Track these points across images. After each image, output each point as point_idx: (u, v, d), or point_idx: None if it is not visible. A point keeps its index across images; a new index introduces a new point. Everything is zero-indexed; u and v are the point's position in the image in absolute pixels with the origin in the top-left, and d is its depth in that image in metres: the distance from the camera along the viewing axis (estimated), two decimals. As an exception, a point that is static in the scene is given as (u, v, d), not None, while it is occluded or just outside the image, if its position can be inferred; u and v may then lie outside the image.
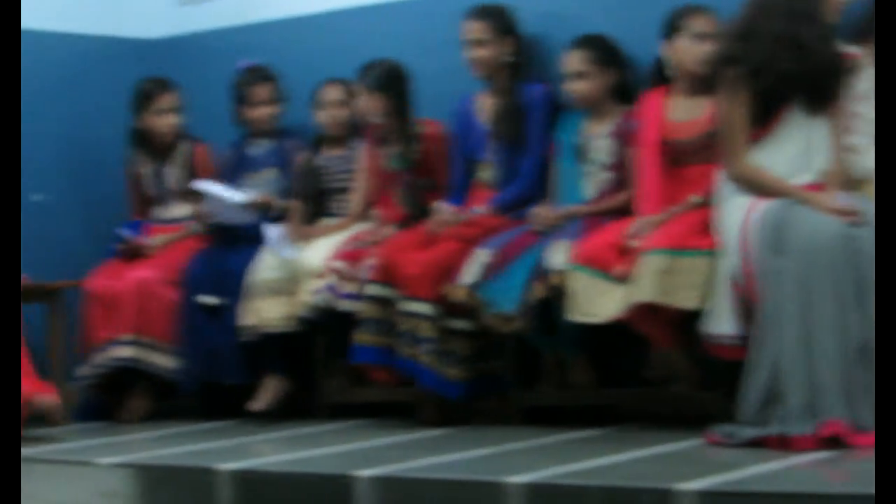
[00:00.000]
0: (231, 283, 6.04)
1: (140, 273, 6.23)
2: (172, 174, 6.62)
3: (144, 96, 6.58)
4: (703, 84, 5.06)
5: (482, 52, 5.80)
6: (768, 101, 4.69)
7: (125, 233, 6.40)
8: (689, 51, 5.22)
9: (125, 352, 6.14)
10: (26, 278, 5.87)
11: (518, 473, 3.90)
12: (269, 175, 6.51)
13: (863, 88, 4.97)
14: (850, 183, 4.78)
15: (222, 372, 6.11)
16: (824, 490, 3.55)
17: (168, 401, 6.39)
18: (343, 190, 6.37)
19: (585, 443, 4.78)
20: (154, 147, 6.64)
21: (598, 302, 4.89)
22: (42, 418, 5.71)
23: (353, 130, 6.36)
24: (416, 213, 5.89)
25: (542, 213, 5.46)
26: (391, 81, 5.98)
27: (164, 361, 6.20)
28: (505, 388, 5.55)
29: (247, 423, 5.91)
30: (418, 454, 4.62)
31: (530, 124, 5.77)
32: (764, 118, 4.71)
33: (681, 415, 4.99)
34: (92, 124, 6.97)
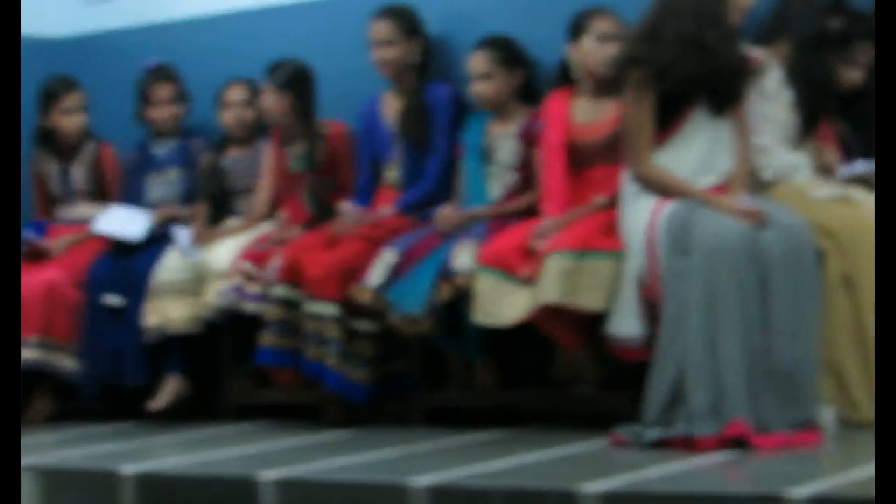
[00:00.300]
0: (135, 284, 5.93)
1: (45, 274, 6.10)
2: (78, 174, 6.52)
3: (50, 95, 6.50)
4: (607, 86, 5.04)
5: (388, 53, 5.77)
6: (673, 103, 4.68)
7: (29, 235, 6.28)
8: (593, 53, 5.18)
9: (30, 354, 5.99)
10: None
11: (422, 475, 3.86)
12: (172, 175, 6.42)
13: (768, 89, 5.01)
14: (757, 184, 4.81)
15: (124, 373, 5.97)
16: (727, 491, 3.62)
17: (70, 402, 6.26)
18: (248, 190, 6.30)
19: (490, 444, 4.74)
20: (59, 146, 6.55)
21: (503, 303, 4.84)
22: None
23: (257, 131, 6.30)
24: (321, 214, 5.82)
25: (447, 214, 5.42)
26: (296, 81, 5.92)
27: (67, 363, 6.08)
28: (410, 390, 5.51)
29: (149, 424, 5.82)
30: (322, 456, 4.55)
31: (436, 125, 5.73)
32: (668, 120, 4.70)
33: (586, 416, 4.96)
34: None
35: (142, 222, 6.08)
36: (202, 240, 6.00)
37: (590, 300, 4.66)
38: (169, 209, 6.15)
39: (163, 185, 6.37)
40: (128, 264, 5.99)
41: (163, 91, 6.43)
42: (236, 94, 6.32)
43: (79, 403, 6.20)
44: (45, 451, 5.16)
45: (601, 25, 5.19)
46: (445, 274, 5.03)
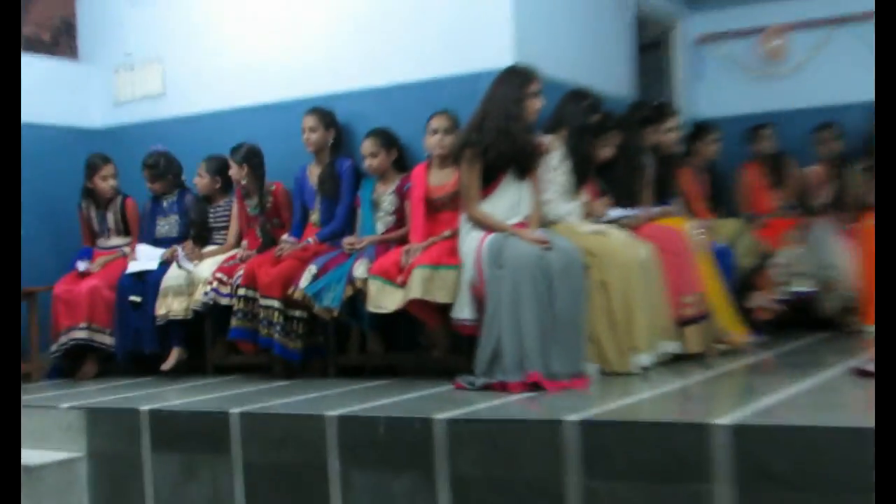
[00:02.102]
0: (149, 288, 5.89)
1: (90, 282, 6.04)
2: (110, 218, 6.40)
3: (92, 167, 6.36)
4: (448, 160, 5.02)
5: (313, 137, 5.72)
6: (491, 171, 4.68)
7: (81, 266, 6.19)
8: (429, 141, 5.22)
9: (80, 334, 5.96)
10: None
11: (334, 409, 3.90)
12: (173, 219, 6.35)
13: (553, 162, 5.04)
14: (545, 223, 4.84)
15: (144, 345, 5.91)
16: (528, 416, 3.74)
17: (108, 365, 6.14)
18: (223, 228, 6.26)
19: (377, 389, 4.69)
20: (98, 200, 6.40)
21: (386, 298, 4.82)
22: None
23: (227, 189, 6.24)
24: (269, 243, 5.76)
25: (350, 241, 5.37)
26: (251, 157, 5.86)
27: (106, 339, 6.02)
28: (326, 354, 5.43)
29: (161, 379, 5.70)
30: (271, 398, 4.53)
31: (342, 185, 5.68)
32: (489, 182, 4.70)
33: (439, 370, 4.89)
34: (59, 184, 6.70)
35: (156, 257, 6.06)
36: (194, 258, 5.92)
37: (441, 296, 4.68)
38: (172, 247, 6.03)
39: (167, 225, 6.32)
40: (144, 276, 5.94)
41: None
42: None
43: (114, 366, 6.09)
44: (91, 396, 5.11)
45: (433, 122, 5.21)
46: (349, 280, 5.00)
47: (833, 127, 7.08)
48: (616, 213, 5.31)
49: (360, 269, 5.04)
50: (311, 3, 6.37)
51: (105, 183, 6.37)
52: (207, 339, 5.92)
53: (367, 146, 5.52)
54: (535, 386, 4.22)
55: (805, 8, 7.70)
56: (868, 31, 7.34)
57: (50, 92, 6.99)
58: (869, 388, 3.75)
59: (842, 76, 7.48)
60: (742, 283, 5.98)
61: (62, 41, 7.15)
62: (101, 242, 6.45)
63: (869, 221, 6.28)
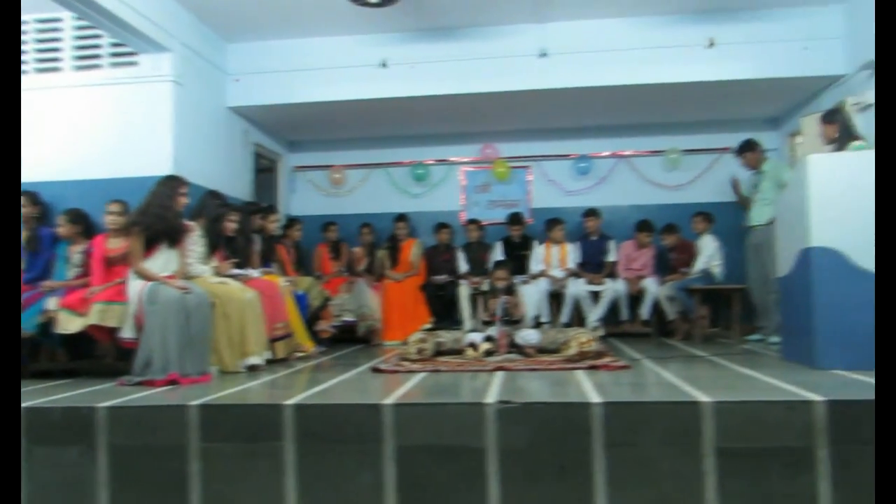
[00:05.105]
0: None
1: None
2: None
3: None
4: (121, 232, 4.79)
5: (24, 211, 5.20)
6: (151, 241, 4.52)
7: None
8: (107, 219, 4.93)
9: None
10: None
11: (25, 401, 3.38)
12: None
13: (194, 238, 4.93)
14: (188, 276, 4.68)
15: None
16: (165, 402, 3.31)
17: None
18: None
19: (61, 386, 4.16)
20: None
21: (72, 323, 4.46)
22: None
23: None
24: None
25: (47, 284, 4.93)
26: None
27: None
28: (28, 362, 4.79)
29: None
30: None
31: (43, 245, 5.21)
32: (149, 247, 4.53)
33: (112, 371, 4.54)
34: None
35: None
36: None
37: (112, 323, 4.39)
38: None
39: None
40: None
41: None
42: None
43: None
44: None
45: (112, 207, 4.93)
46: (44, 311, 4.60)
47: (370, 227, 7.55)
48: (236, 271, 5.28)
49: (51, 303, 4.64)
50: (47, 112, 5.90)
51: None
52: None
53: (62, 219, 5.15)
54: (173, 382, 4.06)
55: (357, 156, 8.26)
56: (394, 172, 8.14)
57: None
58: (383, 378, 3.95)
59: (377, 198, 8.19)
60: (312, 315, 6.13)
61: None
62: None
63: (387, 282, 6.93)
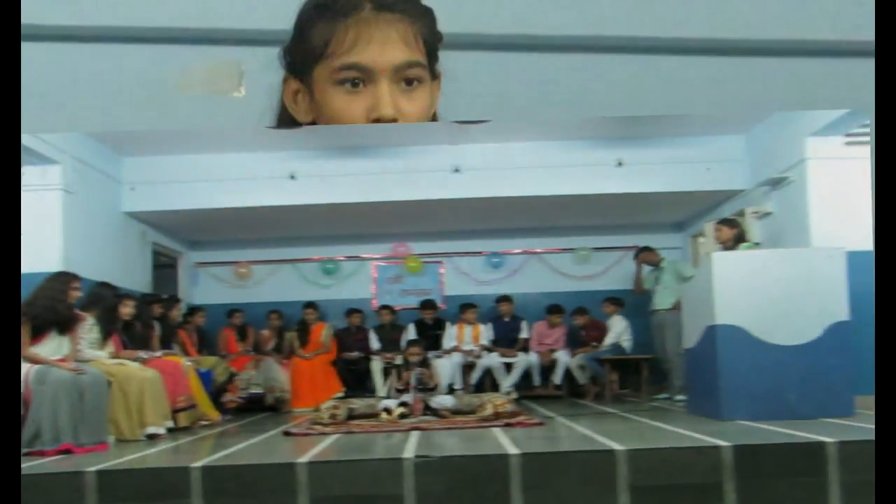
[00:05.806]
0: None
1: None
2: None
3: None
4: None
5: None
6: (40, 329, 4.38)
7: None
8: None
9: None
10: None
11: None
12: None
13: (87, 326, 4.90)
14: (83, 360, 4.56)
15: None
16: (58, 470, 3.30)
17: None
18: None
19: None
20: None
21: None
22: None
23: None
24: None
25: None
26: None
27: None
28: None
29: None
30: None
31: None
32: (37, 335, 4.36)
33: None
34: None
35: None
36: None
37: None
38: None
39: None
40: None
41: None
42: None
43: None
44: None
45: None
46: None
47: (279, 313, 7.55)
48: (142, 354, 5.22)
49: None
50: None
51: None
52: None
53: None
54: (67, 451, 3.83)
55: (264, 254, 8.34)
56: (304, 268, 8.18)
57: None
58: (294, 440, 3.93)
59: (286, 288, 8.23)
60: (218, 389, 6.09)
61: None
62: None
63: (296, 359, 7.08)
